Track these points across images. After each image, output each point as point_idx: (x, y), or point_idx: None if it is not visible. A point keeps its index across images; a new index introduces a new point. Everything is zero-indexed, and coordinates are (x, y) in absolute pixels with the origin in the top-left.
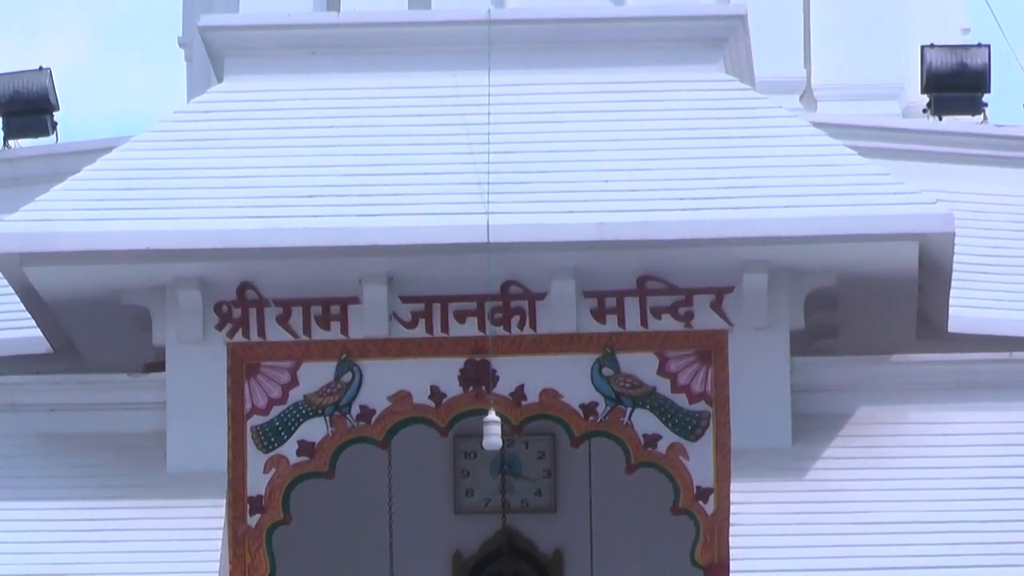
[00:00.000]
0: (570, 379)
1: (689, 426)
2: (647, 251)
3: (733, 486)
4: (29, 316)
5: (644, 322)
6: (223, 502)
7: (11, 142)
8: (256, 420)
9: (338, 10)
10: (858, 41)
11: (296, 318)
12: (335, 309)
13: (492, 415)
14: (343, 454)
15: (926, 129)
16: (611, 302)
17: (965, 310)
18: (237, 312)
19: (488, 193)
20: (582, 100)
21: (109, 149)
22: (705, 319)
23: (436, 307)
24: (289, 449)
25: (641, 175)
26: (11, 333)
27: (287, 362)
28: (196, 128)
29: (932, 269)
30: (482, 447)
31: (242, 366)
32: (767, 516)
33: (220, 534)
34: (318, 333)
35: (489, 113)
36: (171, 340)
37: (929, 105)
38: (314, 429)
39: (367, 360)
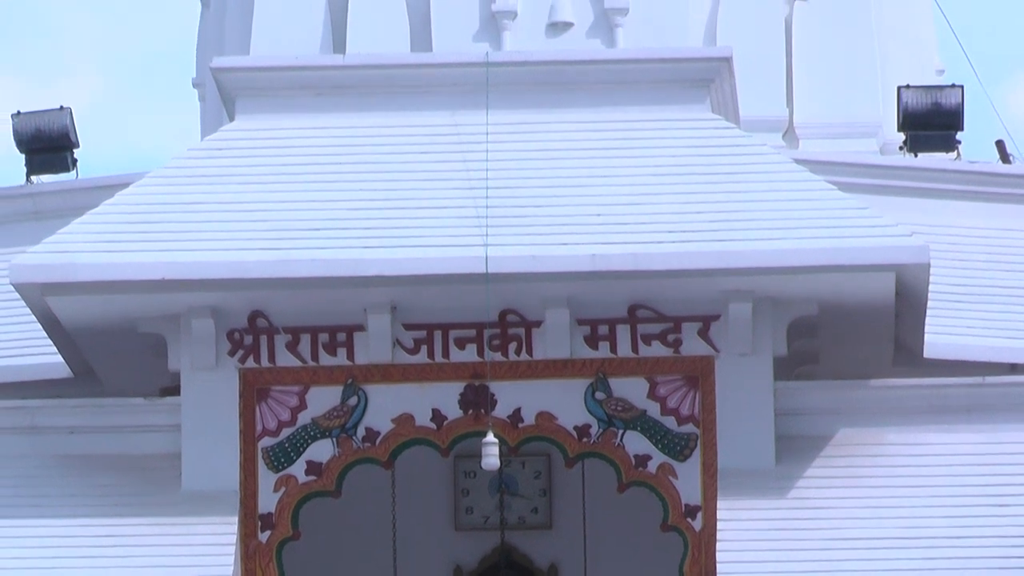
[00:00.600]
0: (565, 402)
1: (678, 447)
2: (637, 281)
3: (720, 504)
4: (50, 342)
5: (635, 348)
6: (235, 519)
7: (33, 178)
8: (267, 441)
9: (343, 52)
10: (838, 82)
11: (304, 345)
12: (341, 336)
13: (490, 437)
14: (349, 473)
15: (902, 165)
16: (603, 329)
17: (940, 337)
18: (248, 339)
19: (487, 226)
20: (576, 138)
21: (126, 184)
22: (693, 346)
23: (437, 334)
24: (298, 469)
25: (632, 209)
26: (33, 359)
27: (296, 386)
28: (209, 164)
29: (908, 298)
30: (481, 467)
31: (253, 390)
32: (752, 532)
33: (232, 550)
34: (325, 359)
35: (487, 150)
36: (185, 366)
37: (905, 143)
38: (322, 450)
39: (372, 384)
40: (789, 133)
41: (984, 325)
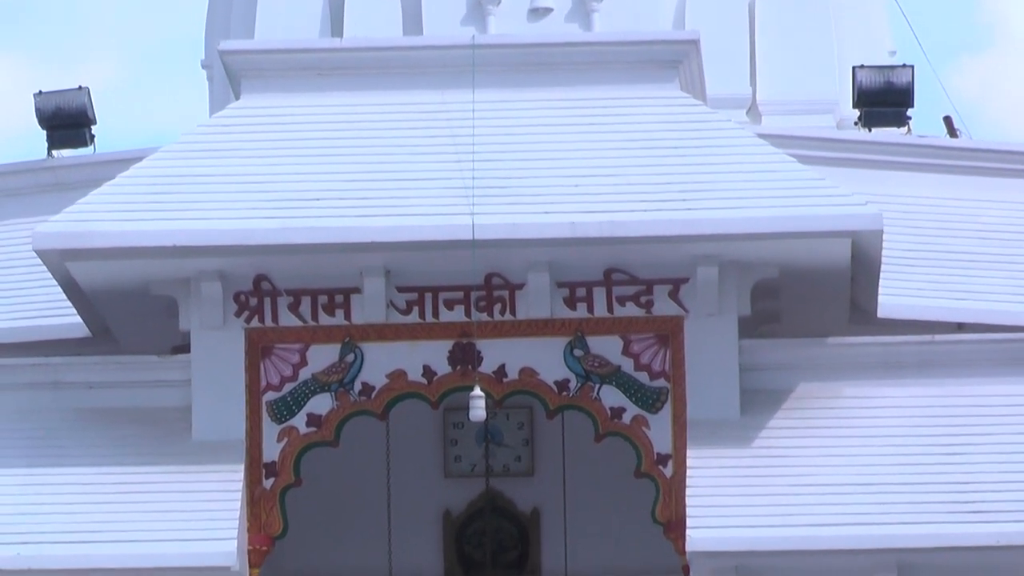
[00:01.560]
0: (545, 359)
1: (650, 400)
2: (612, 247)
3: (689, 452)
4: (70, 305)
5: (610, 309)
6: (241, 468)
7: (54, 152)
8: (270, 395)
9: (341, 36)
10: (797, 62)
11: (305, 306)
12: (339, 298)
13: (477, 391)
14: (347, 425)
15: (857, 139)
16: (581, 292)
17: (892, 298)
18: (253, 301)
19: (473, 196)
20: (555, 114)
21: (140, 158)
22: (663, 306)
23: (428, 296)
24: (299, 421)
25: (607, 180)
26: (54, 320)
27: (297, 345)
28: (217, 140)
29: (863, 262)
30: (468, 419)
31: (258, 348)
32: (718, 479)
33: (239, 496)
34: (324, 319)
35: (473, 126)
36: (195, 326)
37: (860, 118)
38: (321, 403)
39: (367, 343)
40: (752, 110)
41: (933, 287)
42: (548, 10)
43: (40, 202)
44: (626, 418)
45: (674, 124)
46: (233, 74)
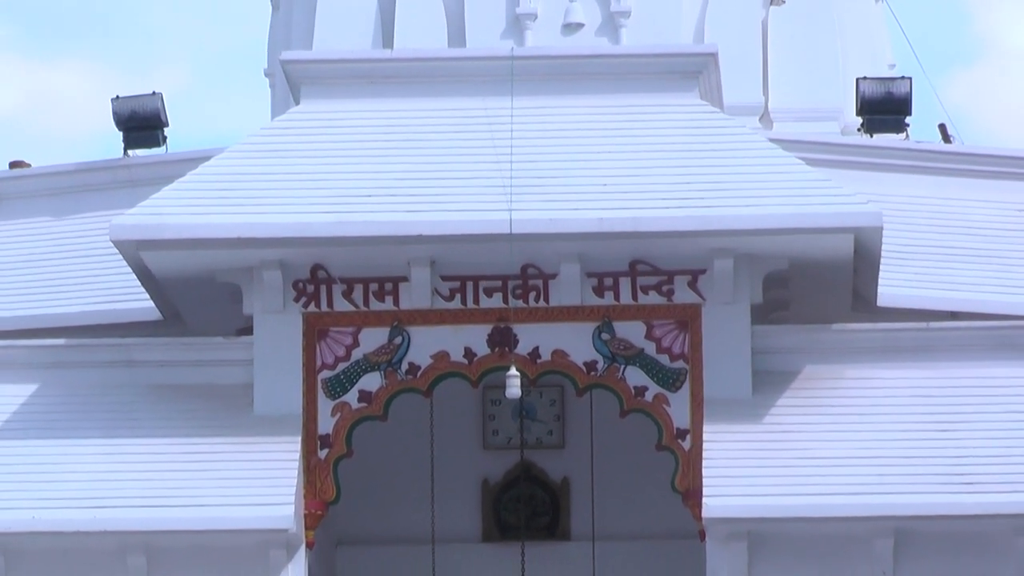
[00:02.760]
0: (575, 342)
1: (670, 380)
2: (637, 240)
3: (705, 428)
4: (144, 291)
5: (635, 297)
6: (298, 439)
7: (129, 152)
8: (325, 374)
9: (391, 47)
10: (806, 73)
11: (357, 293)
12: (388, 286)
13: (513, 370)
14: (394, 401)
15: (860, 144)
16: (608, 281)
17: (891, 289)
18: (310, 288)
19: (511, 194)
20: (586, 120)
21: (208, 157)
22: (683, 295)
23: (469, 285)
24: (351, 397)
25: (633, 180)
26: (129, 304)
27: (350, 328)
28: (278, 141)
29: (864, 256)
30: (505, 396)
31: (314, 331)
32: (732, 452)
33: (296, 465)
34: (375, 305)
35: (511, 130)
36: (257, 310)
37: (862, 125)
38: (371, 381)
39: (414, 327)
40: (765, 117)
41: (928, 279)
42: (580, 25)
43: (116, 197)
44: (648, 396)
45: (693, 129)
46: (293, 81)
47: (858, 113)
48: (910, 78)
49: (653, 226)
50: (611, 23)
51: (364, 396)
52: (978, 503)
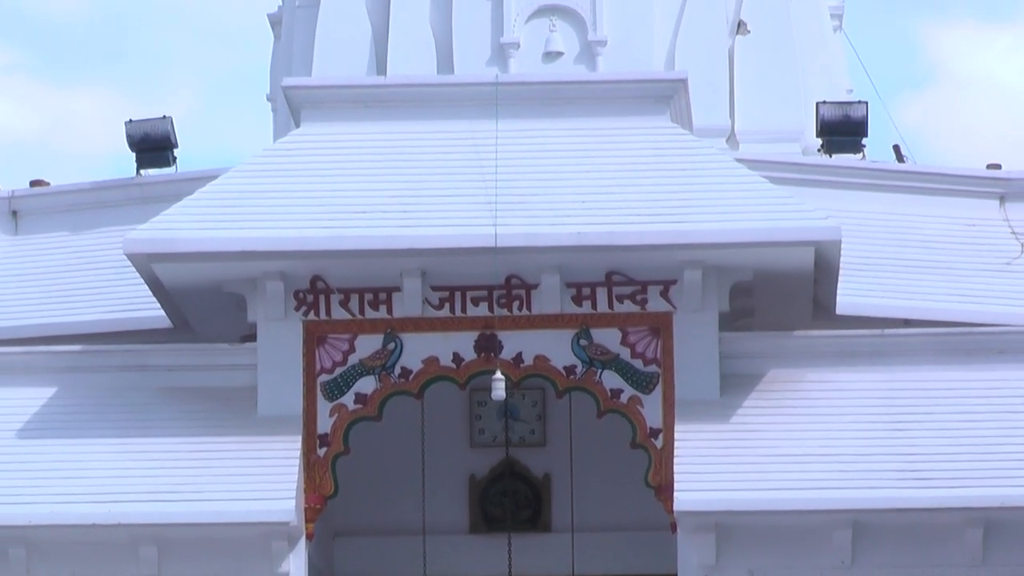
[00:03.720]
0: (556, 348)
1: (644, 383)
2: (613, 253)
3: (676, 427)
4: (155, 300)
5: (611, 305)
6: (299, 438)
7: (141, 171)
8: (324, 377)
9: (385, 74)
10: (769, 98)
11: (354, 302)
12: (382, 296)
13: (498, 374)
14: (388, 403)
15: (820, 164)
16: (586, 291)
17: (849, 298)
18: (310, 297)
19: (496, 210)
20: (566, 141)
21: (215, 177)
22: (656, 304)
23: (457, 294)
24: (348, 399)
25: (609, 197)
26: (141, 312)
27: (347, 335)
28: (280, 161)
29: (824, 267)
30: (491, 398)
31: (313, 337)
32: (701, 449)
33: (297, 462)
34: (370, 313)
35: (496, 151)
36: (261, 318)
37: (822, 146)
38: (367, 384)
39: (406, 333)
40: (731, 138)
41: (884, 289)
42: (560, 54)
43: (130, 213)
44: (623, 398)
45: (665, 150)
46: (294, 106)
47: (818, 135)
48: (866, 102)
49: (628, 240)
50: (588, 51)
51: (360, 398)
52: (930, 497)
